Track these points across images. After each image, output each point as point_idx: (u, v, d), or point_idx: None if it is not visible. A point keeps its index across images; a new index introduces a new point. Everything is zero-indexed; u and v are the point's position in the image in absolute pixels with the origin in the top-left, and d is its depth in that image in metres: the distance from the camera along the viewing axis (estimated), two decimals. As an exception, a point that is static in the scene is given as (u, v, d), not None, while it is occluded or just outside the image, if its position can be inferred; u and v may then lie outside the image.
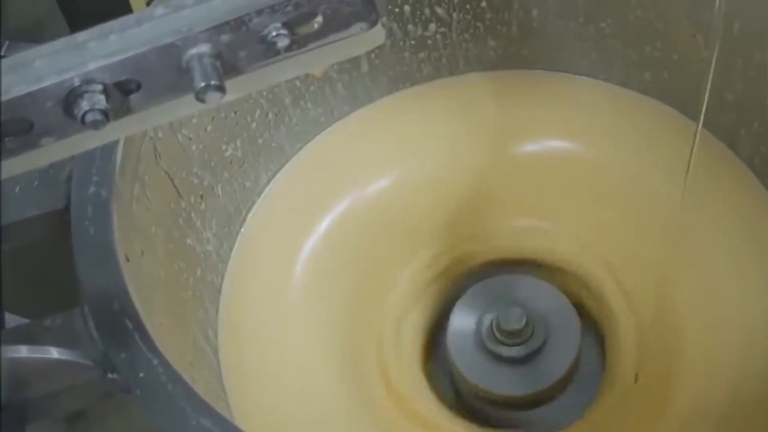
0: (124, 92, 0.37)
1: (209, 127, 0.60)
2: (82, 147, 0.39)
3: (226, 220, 0.64)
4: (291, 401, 0.60)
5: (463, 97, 0.69)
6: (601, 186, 0.66)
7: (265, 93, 0.64)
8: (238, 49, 0.37)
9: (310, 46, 0.37)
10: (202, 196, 0.60)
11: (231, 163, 0.63)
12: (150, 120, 0.39)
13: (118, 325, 0.44)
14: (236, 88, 0.38)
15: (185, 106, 0.38)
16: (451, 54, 0.68)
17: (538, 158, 0.68)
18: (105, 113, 0.37)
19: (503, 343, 0.63)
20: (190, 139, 0.58)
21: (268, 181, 0.67)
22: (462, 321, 0.64)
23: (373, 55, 0.67)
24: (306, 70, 0.39)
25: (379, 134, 0.69)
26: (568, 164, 0.67)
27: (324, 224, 0.66)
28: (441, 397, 0.65)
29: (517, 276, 0.66)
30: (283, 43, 0.37)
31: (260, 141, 0.65)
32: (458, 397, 0.65)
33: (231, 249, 0.64)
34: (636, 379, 0.61)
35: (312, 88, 0.66)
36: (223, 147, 0.62)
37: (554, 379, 0.63)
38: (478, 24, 0.67)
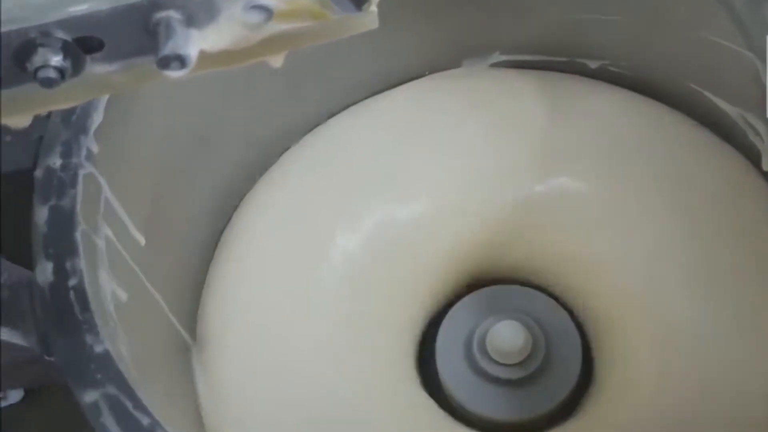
0: (84, 50, 0.34)
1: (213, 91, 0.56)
2: (39, 108, 0.36)
3: (218, 198, 0.60)
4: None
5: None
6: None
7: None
8: (212, 16, 0.33)
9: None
10: (192, 169, 0.56)
11: (229, 140, 0.59)
12: (111, 85, 0.35)
13: (66, 306, 0.41)
14: (207, 61, 0.34)
15: (151, 74, 0.34)
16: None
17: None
18: (60, 71, 0.33)
19: (498, 364, 0.59)
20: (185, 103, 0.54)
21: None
22: (453, 337, 0.61)
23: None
24: (289, 48, 0.35)
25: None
26: None
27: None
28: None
29: (517, 288, 0.63)
30: (262, 16, 0.33)
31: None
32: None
33: (220, 232, 0.61)
34: None
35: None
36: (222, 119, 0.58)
37: (553, 405, 0.59)
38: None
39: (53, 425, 0.59)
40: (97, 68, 0.34)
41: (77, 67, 0.34)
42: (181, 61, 0.32)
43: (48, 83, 0.33)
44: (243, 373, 0.57)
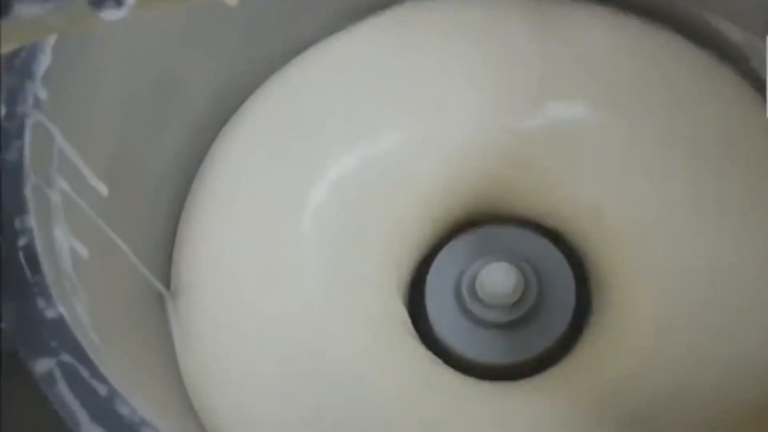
0: (9, -9, 0.30)
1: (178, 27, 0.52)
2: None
3: (189, 138, 0.57)
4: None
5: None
6: None
7: None
8: (150, -52, 0.30)
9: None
10: (160, 109, 0.53)
11: (199, 79, 0.56)
12: (46, 27, 0.32)
13: (15, 268, 0.38)
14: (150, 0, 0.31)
15: (87, 14, 0.31)
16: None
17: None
18: (-19, 16, 0.30)
19: (488, 306, 0.56)
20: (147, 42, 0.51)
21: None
22: (443, 278, 0.58)
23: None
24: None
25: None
26: None
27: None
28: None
29: (509, 228, 0.59)
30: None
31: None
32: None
33: (194, 174, 0.57)
34: None
35: None
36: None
37: (544, 347, 0.56)
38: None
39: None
40: (25, 9, 0.31)
41: (3, 9, 0.31)
42: (116, 0, 0.29)
43: (-32, 29, 0.30)
44: (223, 323, 0.54)
